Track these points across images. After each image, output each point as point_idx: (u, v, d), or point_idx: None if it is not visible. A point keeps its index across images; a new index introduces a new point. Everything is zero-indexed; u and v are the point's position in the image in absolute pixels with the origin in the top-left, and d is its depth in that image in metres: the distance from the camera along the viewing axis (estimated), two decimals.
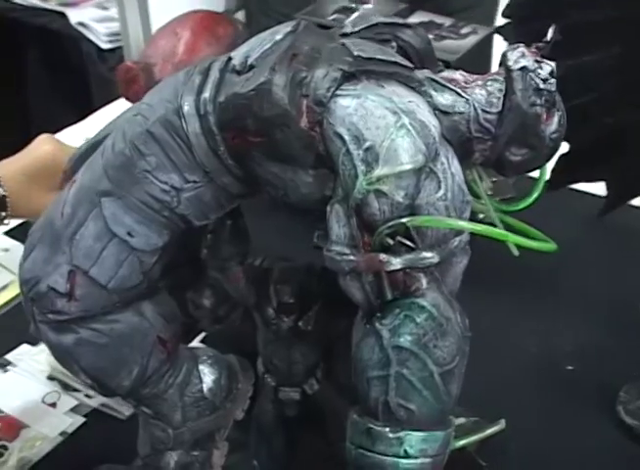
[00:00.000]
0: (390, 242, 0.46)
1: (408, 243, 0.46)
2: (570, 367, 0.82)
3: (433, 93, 0.50)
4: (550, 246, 0.51)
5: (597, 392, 0.79)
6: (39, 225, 0.54)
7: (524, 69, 0.50)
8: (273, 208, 0.85)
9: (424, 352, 0.47)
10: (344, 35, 0.52)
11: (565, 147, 0.99)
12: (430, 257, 0.47)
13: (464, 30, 0.83)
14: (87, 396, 0.80)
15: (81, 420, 0.78)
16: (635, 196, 0.97)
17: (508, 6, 0.87)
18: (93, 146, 0.56)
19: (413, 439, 0.48)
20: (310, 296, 0.58)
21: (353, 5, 0.89)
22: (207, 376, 0.59)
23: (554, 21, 0.88)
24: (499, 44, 0.89)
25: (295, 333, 0.58)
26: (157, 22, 1.40)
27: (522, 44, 0.52)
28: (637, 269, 0.78)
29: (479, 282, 0.92)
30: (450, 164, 0.48)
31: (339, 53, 0.49)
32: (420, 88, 0.49)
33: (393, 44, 0.53)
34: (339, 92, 0.47)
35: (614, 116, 0.92)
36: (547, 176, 0.62)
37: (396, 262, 0.46)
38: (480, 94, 0.51)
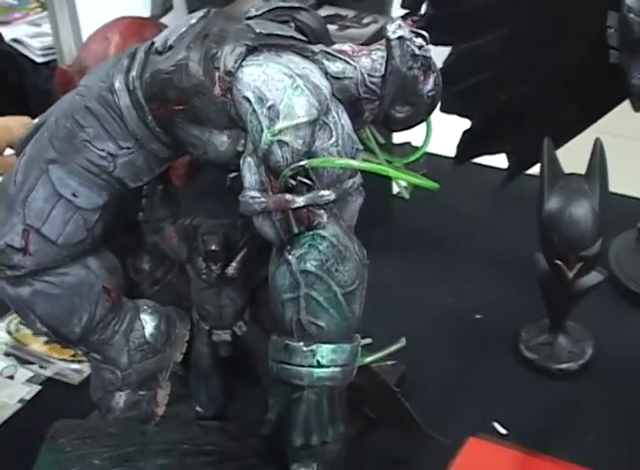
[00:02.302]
0: (293, 183, 0.55)
1: (308, 182, 0.55)
2: (478, 316, 0.92)
3: (325, 62, 0.59)
4: (431, 184, 0.61)
5: (502, 335, 0.88)
6: None
7: (401, 38, 0.60)
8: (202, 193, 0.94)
9: (327, 275, 0.56)
10: (249, 18, 0.61)
11: (466, 124, 1.10)
12: (327, 194, 0.56)
13: (365, 20, 0.93)
14: (41, 367, 0.87)
15: (37, 388, 0.85)
16: (532, 165, 1.08)
17: None
18: (37, 127, 0.65)
19: (324, 350, 0.57)
20: (234, 246, 0.66)
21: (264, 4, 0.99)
22: (149, 323, 0.67)
23: (447, 9, 0.99)
24: None
25: (223, 280, 0.67)
26: (87, 33, 1.48)
27: (398, 17, 0.62)
28: (533, 229, 0.88)
29: (400, 246, 1.03)
30: (340, 117, 0.57)
31: (244, 32, 0.58)
32: (313, 57, 0.58)
33: (291, 24, 0.62)
34: (244, 63, 0.57)
35: (507, 92, 1.02)
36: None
37: (299, 200, 0.56)
38: (366, 61, 0.60)
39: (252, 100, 0.55)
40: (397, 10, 0.98)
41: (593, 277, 0.80)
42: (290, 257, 0.57)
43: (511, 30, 0.97)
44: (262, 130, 0.55)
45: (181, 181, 0.89)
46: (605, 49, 0.91)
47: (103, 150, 0.59)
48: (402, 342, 0.63)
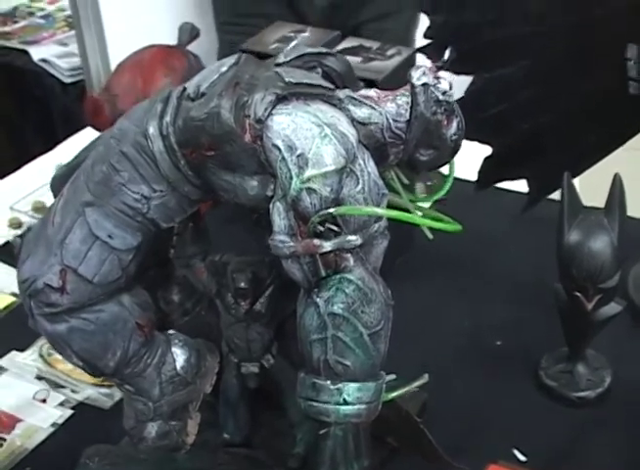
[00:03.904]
0: (321, 229, 0.57)
1: (335, 228, 0.57)
2: (498, 342, 0.94)
3: (352, 108, 0.61)
4: (455, 226, 0.63)
5: (522, 362, 0.90)
6: (33, 234, 0.64)
7: (425, 85, 0.62)
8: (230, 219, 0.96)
9: (354, 316, 0.58)
10: (278, 65, 0.63)
11: (488, 150, 1.12)
12: (354, 239, 0.58)
13: (389, 52, 0.95)
14: (73, 391, 0.90)
15: (69, 412, 0.88)
16: (553, 191, 1.10)
17: (429, 28, 0.99)
18: (72, 168, 0.67)
19: (350, 389, 0.60)
20: (262, 282, 0.68)
21: (292, 34, 1.02)
22: (180, 356, 0.70)
23: (470, 40, 1.01)
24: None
25: (251, 315, 0.69)
26: (114, 55, 1.51)
27: (423, 64, 0.64)
28: (554, 255, 0.90)
29: (421, 271, 1.05)
30: (366, 165, 0.59)
31: (273, 80, 0.60)
32: (340, 105, 0.60)
33: (319, 70, 0.64)
34: (274, 111, 0.59)
35: (529, 121, 1.04)
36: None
37: (327, 245, 0.58)
38: (391, 107, 0.62)
39: (282, 148, 0.58)
40: (421, 40, 1.00)
41: (612, 308, 0.81)
42: (318, 299, 0.59)
43: (533, 61, 0.98)
44: (292, 178, 0.57)
45: (207, 206, 0.92)
46: (625, 80, 0.93)
47: (137, 193, 0.62)
48: (425, 378, 0.65)
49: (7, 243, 1.08)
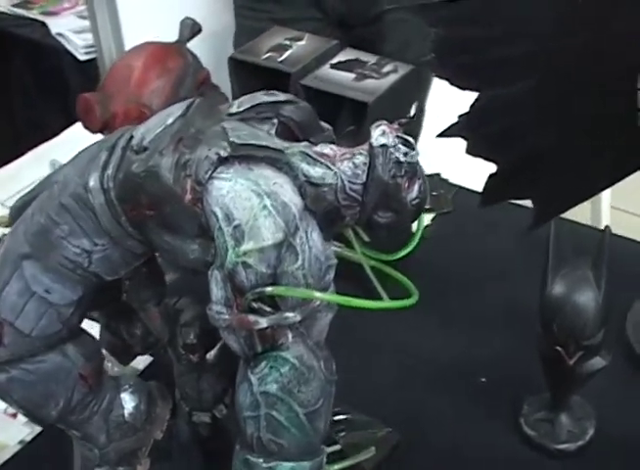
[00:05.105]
0: (256, 306, 0.54)
1: (268, 310, 0.54)
2: (483, 379, 0.90)
3: (304, 166, 0.57)
4: (409, 301, 0.59)
5: (504, 403, 0.86)
6: None
7: (383, 146, 0.57)
8: None
9: (289, 396, 0.55)
10: (231, 114, 0.60)
11: (492, 168, 1.07)
12: (292, 316, 0.55)
13: (385, 69, 0.90)
14: None
15: (38, 430, 0.87)
16: (560, 213, 1.04)
17: (432, 41, 0.94)
18: (28, 202, 0.64)
19: (283, 468, 0.57)
20: (214, 334, 0.65)
21: (288, 43, 0.97)
22: (128, 403, 0.67)
23: (474, 55, 0.95)
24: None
25: (202, 366, 0.67)
26: (129, 35, 1.48)
27: (384, 122, 0.59)
28: None
29: (404, 291, 1.01)
30: (309, 238, 0.55)
31: (218, 137, 0.56)
32: (287, 168, 0.56)
33: (275, 121, 0.60)
34: (215, 175, 0.55)
35: (535, 139, 0.99)
36: (424, 224, 0.69)
37: (263, 322, 0.54)
38: (348, 166, 0.58)
39: (220, 217, 0.54)
40: None
41: (596, 363, 0.77)
42: (251, 376, 0.56)
43: (541, 79, 0.93)
44: (227, 249, 0.54)
45: None
46: (634, 110, 0.87)
47: (78, 246, 0.59)
48: (372, 451, 0.62)
49: None
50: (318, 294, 0.55)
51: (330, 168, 0.58)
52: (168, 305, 0.68)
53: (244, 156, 0.55)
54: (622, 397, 0.87)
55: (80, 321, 0.63)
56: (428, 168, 0.66)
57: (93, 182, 0.58)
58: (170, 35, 1.19)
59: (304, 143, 0.60)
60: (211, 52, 1.27)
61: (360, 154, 0.58)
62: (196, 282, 0.80)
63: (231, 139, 0.56)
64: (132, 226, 0.58)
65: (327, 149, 0.59)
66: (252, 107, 0.60)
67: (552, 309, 0.74)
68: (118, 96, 1.01)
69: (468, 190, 1.17)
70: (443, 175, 1.19)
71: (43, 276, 0.59)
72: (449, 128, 1.00)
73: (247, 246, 0.53)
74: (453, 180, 1.20)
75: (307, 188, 0.57)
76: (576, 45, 0.88)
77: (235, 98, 0.99)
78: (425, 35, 1.42)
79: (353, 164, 0.58)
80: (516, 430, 0.84)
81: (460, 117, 0.99)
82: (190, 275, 0.58)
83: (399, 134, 0.58)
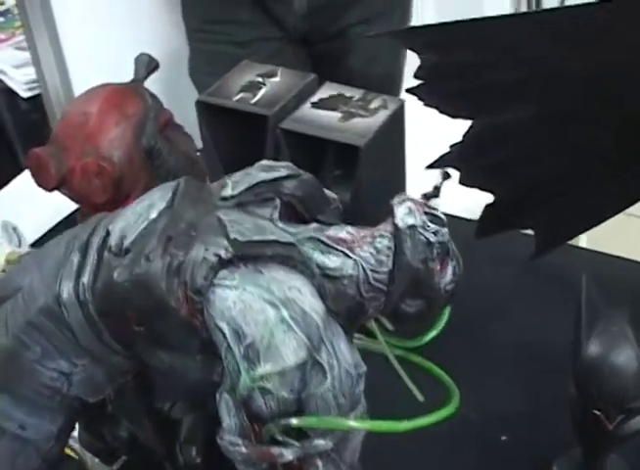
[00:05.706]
0: (280, 438, 0.45)
1: (296, 444, 0.45)
2: (503, 437, 0.82)
3: (319, 258, 0.48)
4: (448, 410, 0.50)
5: (530, 463, 0.79)
6: None
7: (412, 227, 0.49)
8: None
9: None
10: (224, 199, 0.50)
11: (490, 197, 0.99)
12: (323, 444, 0.46)
13: (373, 105, 0.81)
14: None
15: None
16: (561, 243, 0.97)
17: (420, 68, 0.85)
18: None
19: None
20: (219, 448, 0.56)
21: (260, 80, 0.87)
22: None
23: (466, 82, 0.87)
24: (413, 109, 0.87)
25: None
26: (73, 64, 1.36)
27: (408, 197, 0.50)
28: (569, 312, 0.77)
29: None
30: (336, 350, 0.46)
31: (215, 232, 0.47)
32: (302, 267, 0.47)
33: (277, 203, 0.51)
34: (216, 281, 0.46)
35: (533, 169, 0.91)
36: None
37: (288, 453, 0.45)
38: (369, 252, 0.49)
39: (227, 333, 0.45)
40: (410, 80, 0.86)
41: (638, 422, 0.69)
42: None
43: (537, 106, 0.85)
44: (240, 373, 0.45)
45: None
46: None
47: (54, 369, 0.50)
48: None
49: None
50: (354, 423, 0.46)
51: (349, 256, 0.49)
52: (161, 412, 0.58)
53: (250, 256, 0.46)
54: None
55: (62, 450, 0.53)
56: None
57: (66, 294, 0.48)
58: (117, 58, 1.09)
59: (314, 225, 0.51)
60: (165, 80, 1.17)
61: (382, 236, 0.50)
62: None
63: (232, 236, 0.46)
64: (117, 342, 0.49)
65: (343, 233, 0.50)
66: (250, 188, 0.50)
67: (588, 372, 0.66)
68: (74, 148, 0.91)
69: (461, 218, 1.09)
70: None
71: (15, 410, 0.50)
72: (441, 159, 0.92)
73: (264, 369, 0.44)
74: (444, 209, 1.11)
75: (326, 284, 0.48)
76: (573, 70, 0.80)
77: (205, 143, 0.91)
78: (392, 49, 1.35)
79: (375, 249, 0.49)
80: None
81: (452, 146, 0.91)
82: (197, 407, 0.49)
83: (427, 210, 0.50)
